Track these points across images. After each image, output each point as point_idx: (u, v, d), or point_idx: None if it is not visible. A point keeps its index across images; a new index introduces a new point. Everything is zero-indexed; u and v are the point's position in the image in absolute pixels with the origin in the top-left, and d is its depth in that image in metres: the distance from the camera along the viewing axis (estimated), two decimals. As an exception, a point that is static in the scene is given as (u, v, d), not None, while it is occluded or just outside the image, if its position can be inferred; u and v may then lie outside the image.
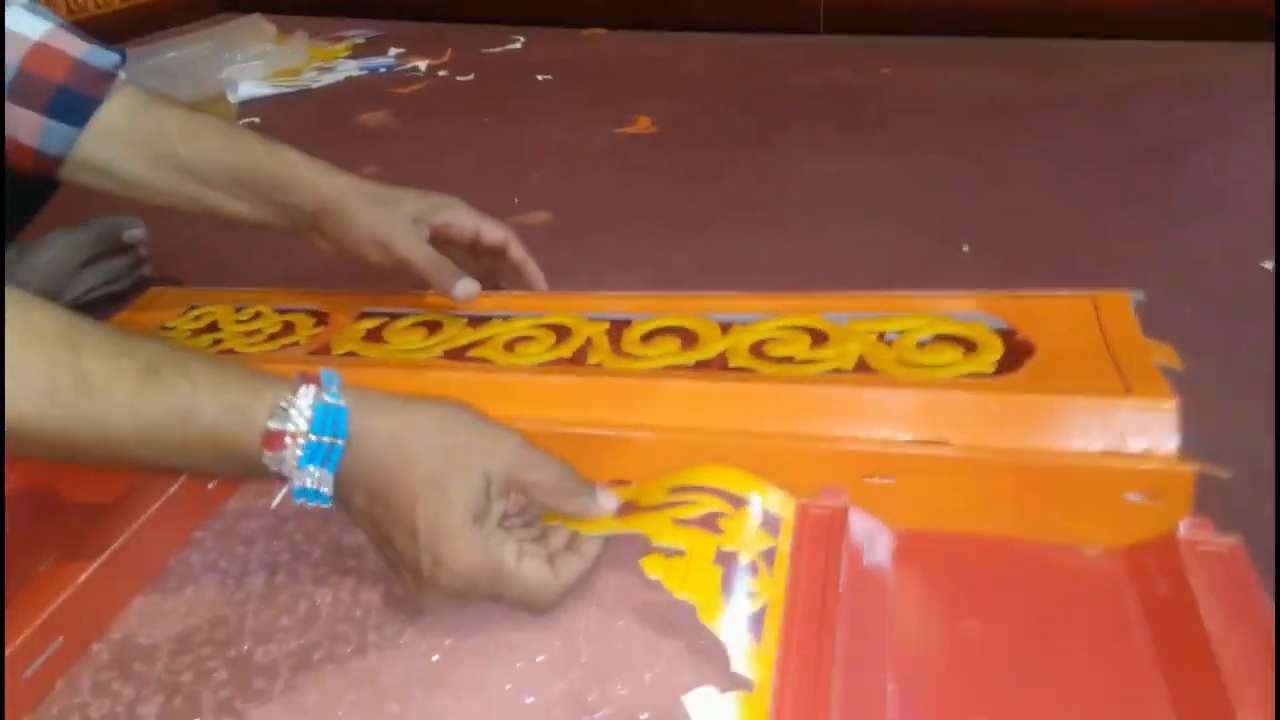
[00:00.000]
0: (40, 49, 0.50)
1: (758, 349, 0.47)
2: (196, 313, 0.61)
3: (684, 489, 0.40)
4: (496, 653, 0.37)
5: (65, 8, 1.63)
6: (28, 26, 0.50)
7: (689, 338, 0.49)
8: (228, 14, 1.73)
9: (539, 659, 0.36)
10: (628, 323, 0.51)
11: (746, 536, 0.38)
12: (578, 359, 0.49)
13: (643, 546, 0.37)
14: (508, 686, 0.35)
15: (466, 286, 0.56)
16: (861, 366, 0.44)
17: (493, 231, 0.59)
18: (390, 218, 0.55)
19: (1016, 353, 0.43)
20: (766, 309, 0.50)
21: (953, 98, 1.00)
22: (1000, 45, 1.13)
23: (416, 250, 0.55)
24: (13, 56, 0.50)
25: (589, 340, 0.50)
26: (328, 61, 1.45)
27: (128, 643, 0.40)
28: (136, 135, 0.54)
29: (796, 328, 0.48)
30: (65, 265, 0.69)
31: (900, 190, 0.78)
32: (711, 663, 0.34)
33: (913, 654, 0.34)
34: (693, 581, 0.36)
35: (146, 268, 0.74)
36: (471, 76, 1.34)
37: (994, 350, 0.43)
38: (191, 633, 0.40)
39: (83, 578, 0.39)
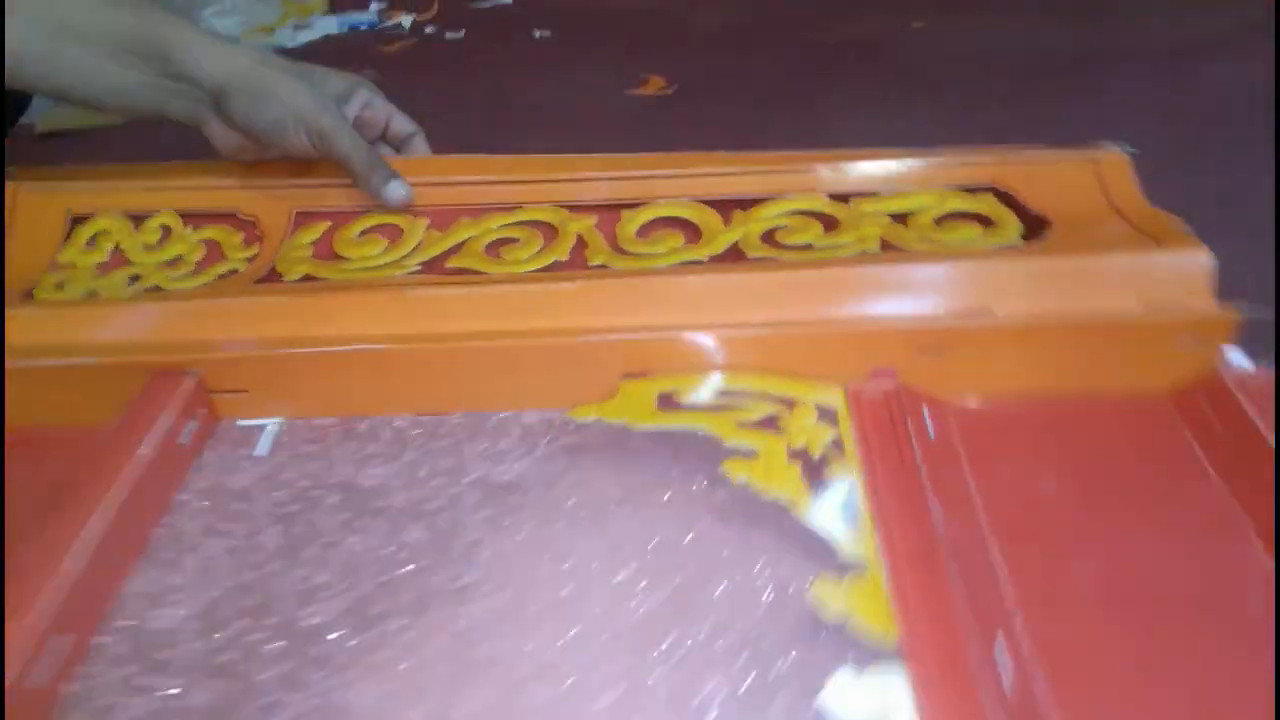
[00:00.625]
0: None
1: (770, 238, 0.45)
2: (89, 232, 0.52)
3: (729, 393, 0.39)
4: (580, 576, 0.35)
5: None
6: None
7: (691, 230, 0.46)
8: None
9: (633, 572, 0.34)
10: (617, 215, 0.48)
11: (810, 433, 0.37)
12: (576, 261, 0.45)
13: (700, 452, 0.36)
14: (599, 611, 0.33)
15: (399, 190, 0.48)
16: (887, 247, 0.43)
17: (405, 123, 0.53)
18: (317, 95, 0.48)
19: (1034, 225, 0.43)
20: (751, 165, 0.48)
21: (995, 52, 0.93)
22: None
23: (350, 140, 0.48)
24: None
25: (580, 239, 0.47)
26: (303, 17, 1.31)
27: (142, 630, 0.34)
28: None
29: (804, 212, 0.46)
30: None
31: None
32: (812, 551, 0.33)
33: (1002, 516, 0.34)
34: (776, 480, 0.35)
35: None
36: (462, 34, 1.22)
37: (1013, 225, 0.43)
38: (215, 606, 0.35)
39: (65, 564, 0.34)
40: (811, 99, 0.87)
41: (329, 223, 0.50)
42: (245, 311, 0.44)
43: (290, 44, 1.22)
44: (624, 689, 0.30)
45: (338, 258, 0.48)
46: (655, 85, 0.93)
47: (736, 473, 0.35)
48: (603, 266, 0.44)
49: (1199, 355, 0.37)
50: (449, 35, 1.21)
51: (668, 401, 0.39)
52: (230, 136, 0.49)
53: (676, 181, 0.49)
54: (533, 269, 0.45)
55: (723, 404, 0.38)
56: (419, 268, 0.46)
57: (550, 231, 0.48)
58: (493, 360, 0.42)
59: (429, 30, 1.23)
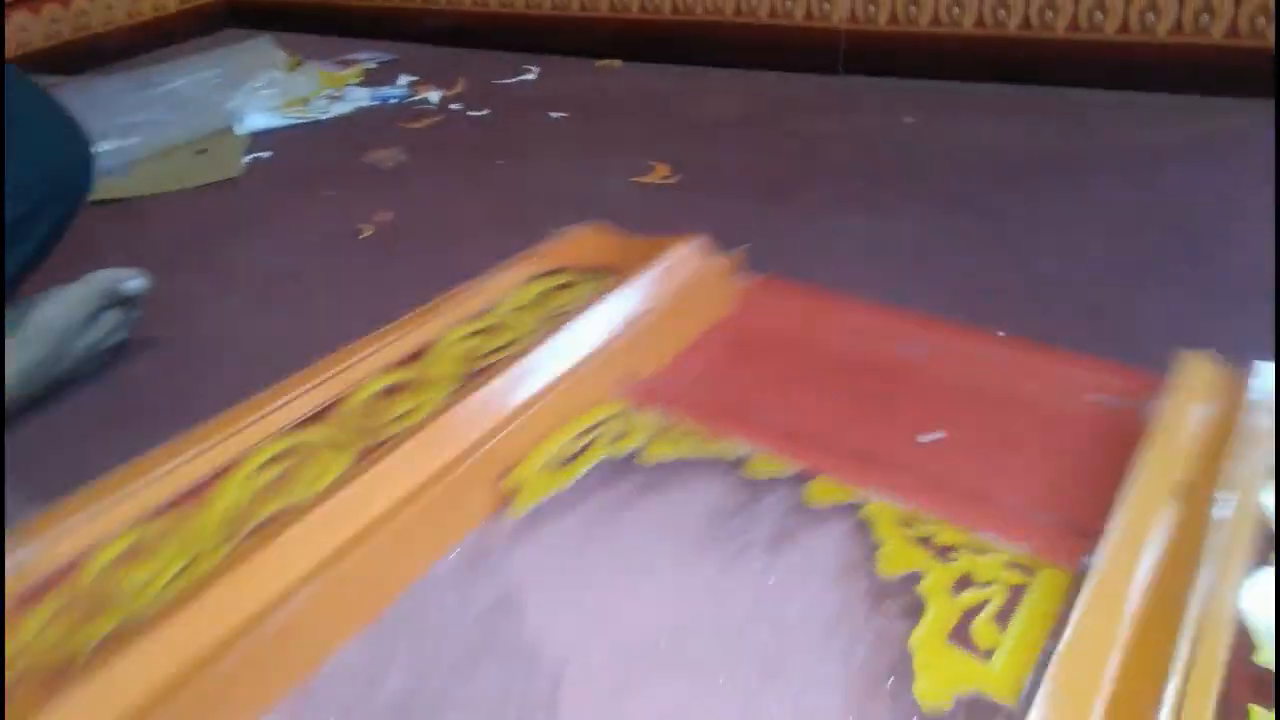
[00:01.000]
0: None
1: (473, 358, 0.57)
2: None
3: (582, 434, 0.51)
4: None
5: (70, 26, 1.62)
6: None
7: (399, 391, 0.55)
8: (235, 29, 1.82)
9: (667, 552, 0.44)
10: (333, 411, 0.53)
11: (643, 420, 0.53)
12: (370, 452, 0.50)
13: (615, 464, 0.49)
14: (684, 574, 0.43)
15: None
16: (549, 320, 0.59)
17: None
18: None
19: (606, 271, 0.64)
20: (409, 327, 0.60)
21: (978, 151, 0.99)
22: (1020, 93, 1.14)
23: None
24: None
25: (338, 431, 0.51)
26: (338, 88, 1.43)
27: None
28: None
29: (471, 334, 0.59)
30: (73, 322, 0.70)
31: (931, 256, 0.79)
32: (723, 465, 0.49)
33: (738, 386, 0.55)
34: (671, 447, 0.50)
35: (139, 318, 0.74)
36: (485, 112, 1.29)
37: (595, 278, 0.64)
38: None
39: None
40: (808, 193, 0.94)
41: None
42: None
43: (324, 115, 1.31)
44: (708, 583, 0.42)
45: (118, 592, 0.42)
46: (660, 173, 1.00)
47: (652, 454, 0.49)
48: (384, 442, 0.49)
49: (734, 285, 0.64)
50: (472, 113, 1.29)
51: (561, 460, 0.49)
52: None
53: (353, 370, 0.56)
54: (334, 477, 0.47)
55: (590, 440, 0.50)
56: (243, 540, 0.44)
57: (301, 451, 0.50)
58: (401, 528, 0.44)
59: (454, 107, 1.31)
